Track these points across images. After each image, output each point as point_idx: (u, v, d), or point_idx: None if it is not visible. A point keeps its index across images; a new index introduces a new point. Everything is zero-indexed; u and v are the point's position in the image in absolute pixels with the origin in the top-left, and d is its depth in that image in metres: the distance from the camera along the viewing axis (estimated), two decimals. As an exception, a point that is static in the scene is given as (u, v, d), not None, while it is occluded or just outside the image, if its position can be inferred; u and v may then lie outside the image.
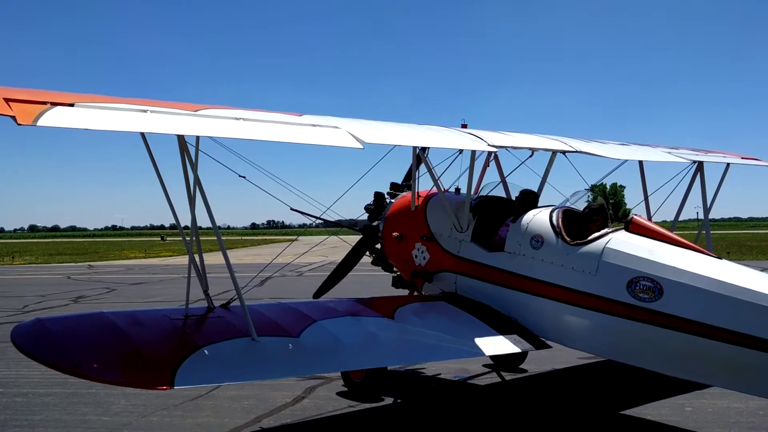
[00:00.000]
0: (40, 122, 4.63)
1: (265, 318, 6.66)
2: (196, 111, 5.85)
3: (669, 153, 9.35)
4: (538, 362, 10.50)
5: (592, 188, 9.70)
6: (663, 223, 9.68)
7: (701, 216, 10.11)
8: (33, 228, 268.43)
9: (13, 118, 4.52)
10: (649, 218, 9.51)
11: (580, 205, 8.17)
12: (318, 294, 10.03)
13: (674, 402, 8.49)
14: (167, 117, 5.54)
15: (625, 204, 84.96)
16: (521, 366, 10.46)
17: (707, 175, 9.67)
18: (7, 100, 4.70)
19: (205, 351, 5.80)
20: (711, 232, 10.23)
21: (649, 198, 9.89)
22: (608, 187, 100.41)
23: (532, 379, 10.05)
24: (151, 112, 5.46)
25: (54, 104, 4.92)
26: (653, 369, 6.88)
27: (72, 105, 5.06)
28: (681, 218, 10.13)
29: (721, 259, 6.78)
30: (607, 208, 7.76)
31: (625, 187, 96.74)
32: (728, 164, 10.03)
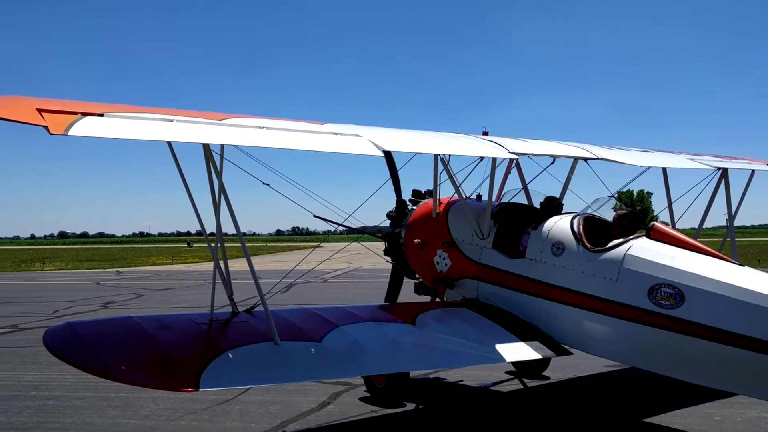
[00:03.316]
0: (71, 132, 4.76)
1: (288, 323, 6.76)
2: (220, 120, 5.97)
3: (692, 160, 9.28)
4: (562, 370, 10.47)
5: (619, 195, 9.67)
6: (690, 231, 9.63)
7: (729, 223, 10.02)
8: (63, 234, 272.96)
9: (46, 127, 4.65)
10: (673, 225, 9.47)
11: (603, 212, 8.17)
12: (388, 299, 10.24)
13: (702, 411, 8.40)
14: (193, 126, 5.67)
15: (653, 211, 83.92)
16: (544, 373, 10.44)
17: (732, 182, 9.61)
18: (39, 111, 4.85)
19: (230, 354, 5.92)
20: (741, 239, 10.16)
21: (672, 205, 9.85)
22: (635, 193, 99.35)
23: (555, 386, 10.03)
24: (177, 121, 5.59)
25: (84, 114, 5.04)
26: (675, 376, 6.85)
27: (101, 115, 5.19)
28: (710, 225, 10.07)
29: (743, 266, 6.75)
30: (638, 215, 7.76)
31: (652, 194, 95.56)
32: (753, 171, 9.94)
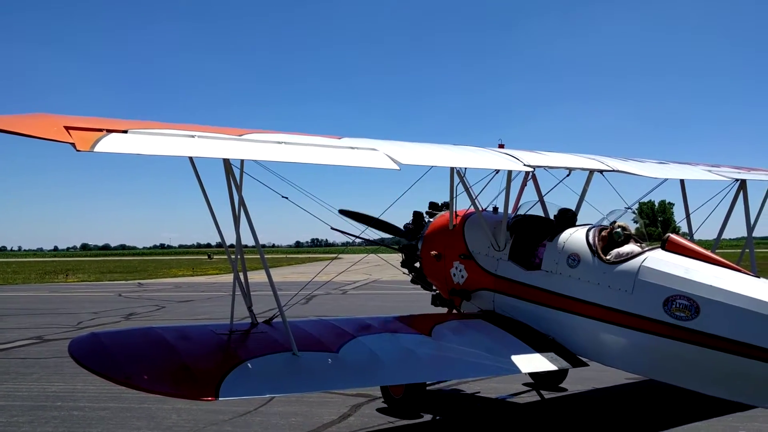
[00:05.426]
0: (97, 148, 4.88)
1: (306, 334, 6.89)
2: (240, 135, 6.10)
3: (709, 171, 9.27)
4: (581, 382, 10.45)
5: (640, 206, 9.69)
6: (710, 242, 9.61)
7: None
8: (85, 246, 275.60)
9: (73, 144, 4.80)
10: (692, 237, 9.47)
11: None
12: (343, 211, 9.97)
13: (726, 424, 8.31)
14: (213, 142, 5.80)
15: (674, 221, 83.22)
16: (561, 385, 10.44)
17: (751, 193, 9.59)
18: (67, 128, 4.99)
19: (249, 365, 6.05)
20: (760, 250, 10.09)
21: (691, 216, 9.85)
22: (656, 204, 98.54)
23: (573, 398, 10.01)
24: (199, 137, 5.72)
25: (109, 131, 5.17)
26: (691, 388, 6.86)
27: (126, 131, 5.32)
28: (732, 237, 10.03)
29: (759, 278, 6.76)
30: (644, 233, 7.78)
31: (674, 205, 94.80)
32: None
